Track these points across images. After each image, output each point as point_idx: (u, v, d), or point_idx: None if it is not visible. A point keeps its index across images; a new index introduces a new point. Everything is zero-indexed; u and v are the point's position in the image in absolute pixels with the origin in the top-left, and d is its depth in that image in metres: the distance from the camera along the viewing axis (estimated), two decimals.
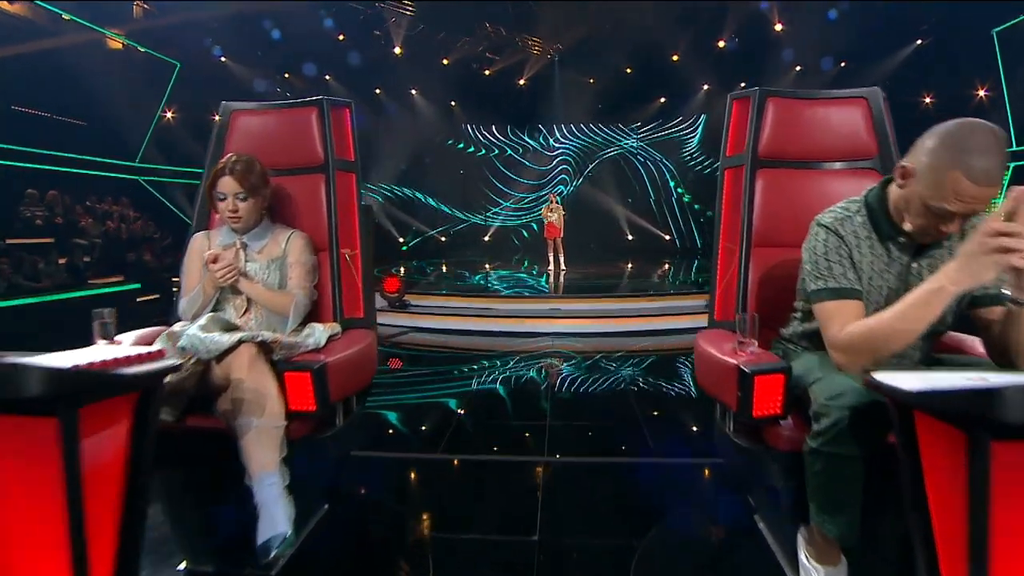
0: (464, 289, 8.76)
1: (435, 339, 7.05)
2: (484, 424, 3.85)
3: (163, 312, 12.03)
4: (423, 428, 3.79)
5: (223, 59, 14.46)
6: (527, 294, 8.78)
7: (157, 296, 11.57)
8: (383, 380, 4.93)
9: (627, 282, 10.34)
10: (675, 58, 15.27)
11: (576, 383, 4.83)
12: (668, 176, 18.32)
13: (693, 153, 17.98)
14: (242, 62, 14.69)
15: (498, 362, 5.69)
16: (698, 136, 17.96)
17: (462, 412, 4.04)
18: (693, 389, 4.53)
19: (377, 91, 16.96)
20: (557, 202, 11.41)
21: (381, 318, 7.69)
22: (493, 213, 18.67)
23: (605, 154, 18.63)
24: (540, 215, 16.28)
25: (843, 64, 14.56)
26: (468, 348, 6.75)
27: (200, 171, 2.33)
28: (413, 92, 17.16)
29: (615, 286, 9.58)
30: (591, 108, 17.85)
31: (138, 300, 10.11)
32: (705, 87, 16.60)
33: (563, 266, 11.61)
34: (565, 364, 5.58)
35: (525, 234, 18.49)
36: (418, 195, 18.20)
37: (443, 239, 18.58)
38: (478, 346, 6.75)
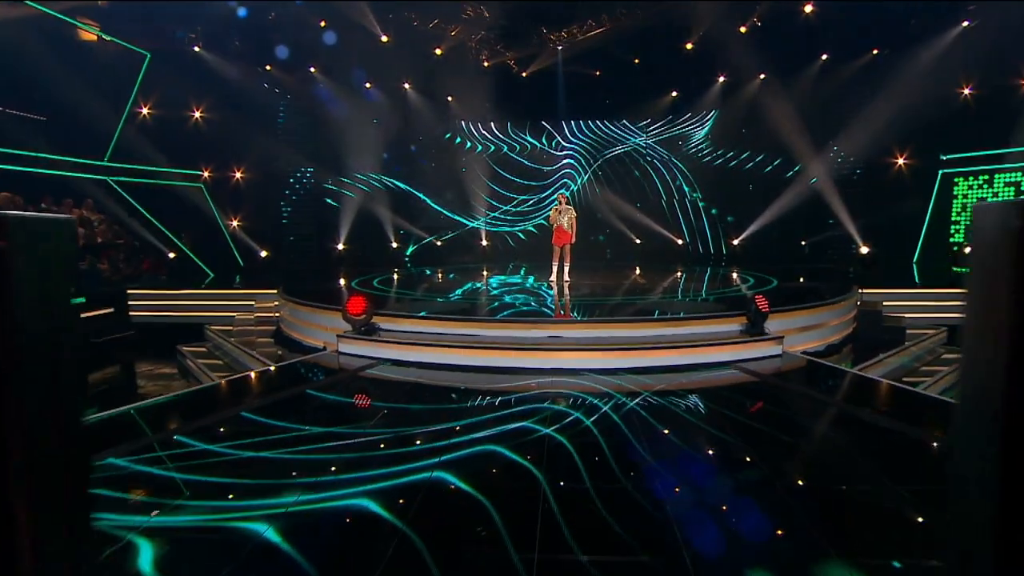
0: (446, 310, 7.32)
1: (406, 374, 5.65)
2: (435, 554, 2.44)
3: (114, 329, 10.87)
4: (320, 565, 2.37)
5: (197, 49, 13.14)
6: (526, 310, 7.36)
7: (110, 310, 10.29)
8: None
9: (643, 297, 8.89)
10: (689, 46, 13.82)
11: (586, 460, 3.40)
12: (679, 175, 16.85)
13: (702, 147, 16.51)
14: (219, 52, 13.37)
15: (478, 417, 4.28)
16: (706, 130, 16.47)
17: (400, 524, 2.63)
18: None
19: (368, 85, 15.64)
20: (567, 203, 9.90)
21: (344, 346, 6.31)
22: (493, 218, 17.27)
23: (612, 152, 17.17)
24: (542, 218, 14.99)
25: (875, 51, 13.06)
26: (445, 388, 5.36)
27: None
28: (406, 86, 15.83)
29: (630, 304, 8.12)
30: (597, 103, 16.45)
31: (80, 316, 8.77)
32: (721, 79, 15.15)
33: (567, 276, 10.18)
34: (567, 434, 4.14)
35: (522, 236, 17.10)
36: (418, 194, 16.84)
37: (439, 244, 17.21)
38: (457, 383, 5.35)
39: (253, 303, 9.41)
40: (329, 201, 16.12)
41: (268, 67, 14.36)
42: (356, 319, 6.23)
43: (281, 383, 5.48)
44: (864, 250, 12.10)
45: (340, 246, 15.56)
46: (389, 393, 5.19)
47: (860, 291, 8.24)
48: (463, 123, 17.16)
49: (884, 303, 8.52)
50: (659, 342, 5.87)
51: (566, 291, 9.33)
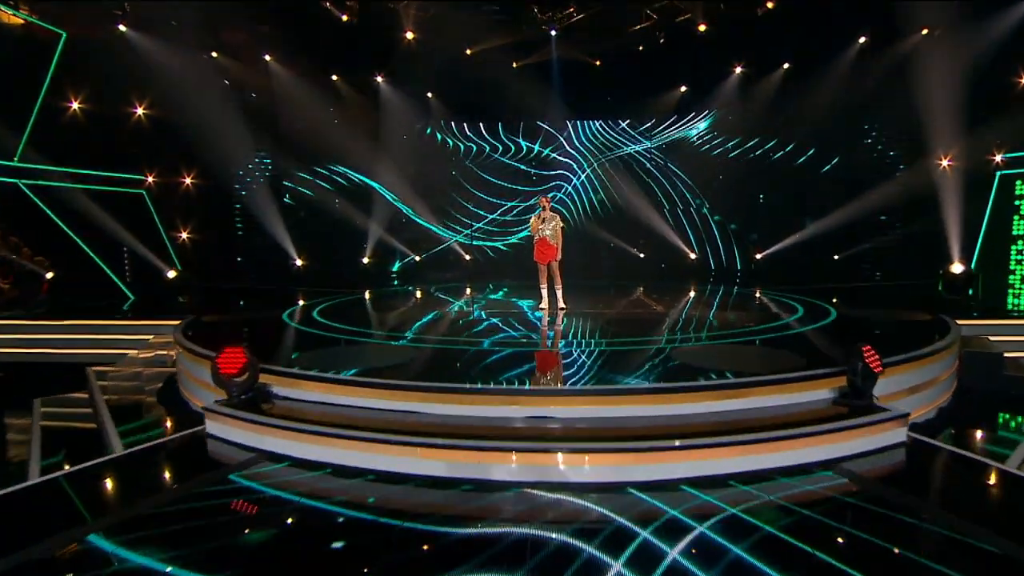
0: (389, 361, 4.98)
1: (312, 484, 3.36)
2: None
3: None
4: None
5: (123, 28, 10.93)
6: (505, 359, 5.08)
7: None
8: None
9: (664, 336, 6.58)
10: (702, 28, 11.69)
11: None
12: (684, 181, 14.65)
13: (710, 150, 14.30)
14: (151, 34, 11.18)
15: None
16: (705, 124, 14.30)
17: None
18: None
19: (334, 77, 13.50)
20: (551, 208, 7.73)
21: (213, 425, 4.02)
22: (478, 229, 15.05)
23: (612, 155, 14.98)
24: (528, 228, 12.94)
25: (924, 32, 10.92)
26: (354, 527, 3.07)
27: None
28: (379, 79, 13.68)
29: (647, 345, 5.83)
30: (596, 99, 14.30)
31: None
32: (738, 69, 13.02)
33: (561, 302, 7.93)
34: None
35: (504, 248, 14.85)
36: (398, 203, 14.57)
37: (418, 259, 14.95)
38: (387, 508, 3.08)
39: (150, 337, 7.11)
40: (288, 201, 13.89)
41: (214, 54, 12.17)
42: (231, 381, 3.95)
43: (57, 508, 3.15)
44: (956, 268, 9.74)
45: (299, 261, 13.31)
46: (265, 534, 2.88)
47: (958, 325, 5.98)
48: (444, 123, 14.98)
49: (988, 338, 6.28)
50: (701, 428, 3.59)
51: (558, 323, 7.06)
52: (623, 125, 14.83)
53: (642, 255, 14.72)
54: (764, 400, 3.80)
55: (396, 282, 13.65)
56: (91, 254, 10.86)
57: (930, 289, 9.72)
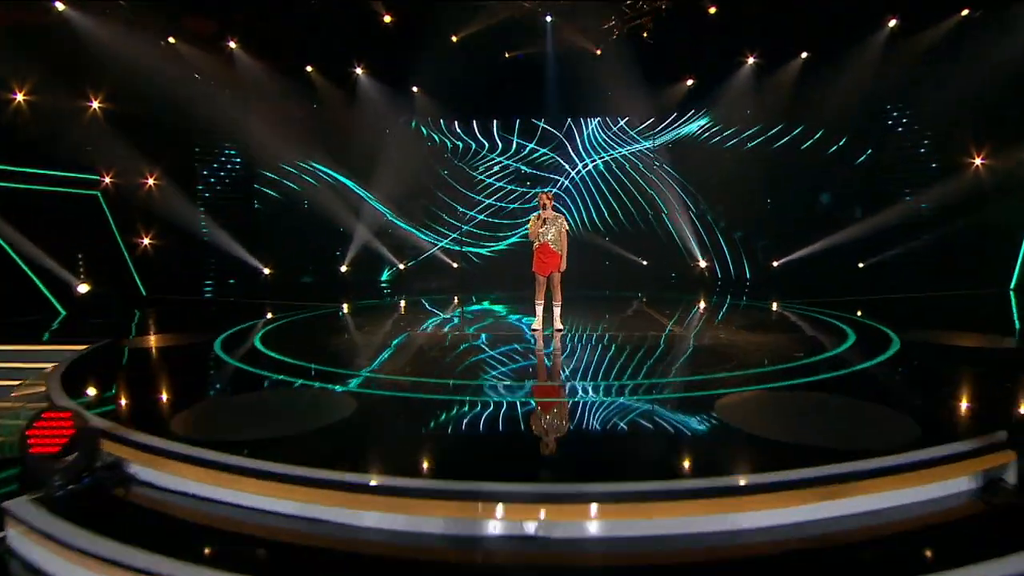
0: (300, 439, 3.47)
1: None
2: None
3: None
4: None
5: (59, 5, 9.54)
6: (482, 415, 3.70)
7: None
8: None
9: (693, 370, 5.18)
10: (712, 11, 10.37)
11: None
12: (685, 183, 13.33)
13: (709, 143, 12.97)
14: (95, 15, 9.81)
15: None
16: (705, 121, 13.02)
17: None
18: None
19: (308, 68, 12.17)
20: (554, 207, 6.31)
21: (20, 539, 2.58)
22: (463, 234, 13.69)
23: (612, 155, 13.66)
24: (524, 232, 11.74)
25: (965, 12, 9.61)
26: None
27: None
28: (358, 70, 12.34)
29: (693, 407, 4.42)
30: (595, 96, 12.99)
31: None
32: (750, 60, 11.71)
33: (559, 322, 6.55)
34: None
35: (487, 254, 13.49)
36: (378, 205, 13.20)
37: (402, 268, 13.56)
38: None
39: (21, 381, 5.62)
40: (257, 205, 12.50)
41: (171, 39, 10.79)
42: (49, 464, 2.56)
43: None
44: None
45: (266, 270, 11.91)
46: None
47: None
48: (431, 120, 13.64)
49: None
50: (776, 543, 2.22)
51: (556, 354, 5.68)
52: (621, 123, 13.52)
53: (645, 263, 13.38)
54: (870, 501, 2.41)
55: (387, 291, 12.25)
56: (18, 260, 9.40)
57: (998, 301, 8.35)
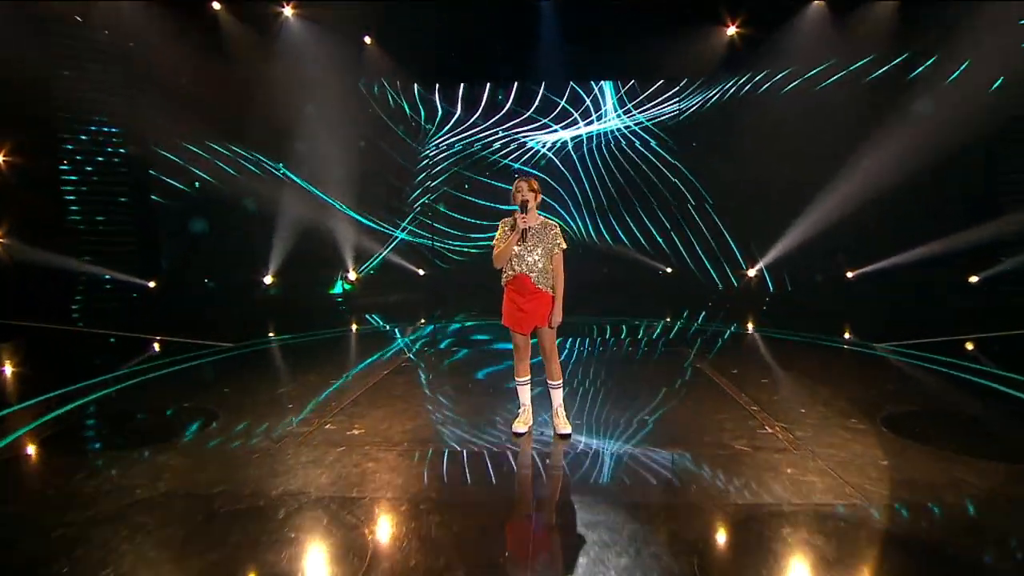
0: None
1: None
2: None
3: None
4: None
5: None
6: None
7: None
8: None
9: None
10: None
11: None
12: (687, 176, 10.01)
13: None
14: None
15: None
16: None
17: None
18: None
19: (215, 3, 8.72)
20: (541, 206, 3.10)
21: None
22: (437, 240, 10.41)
23: (590, 136, 10.36)
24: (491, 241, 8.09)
25: None
26: None
27: None
28: (284, 8, 8.91)
29: None
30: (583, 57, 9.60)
31: None
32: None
33: (565, 423, 3.25)
34: None
35: (462, 259, 10.08)
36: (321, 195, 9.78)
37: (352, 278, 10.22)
38: None
39: None
40: (155, 199, 9.05)
41: None
42: None
43: None
44: None
45: (151, 283, 8.49)
46: None
47: None
48: (388, 82, 10.26)
49: None
50: None
51: (551, 522, 2.30)
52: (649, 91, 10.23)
53: (669, 270, 10.18)
54: None
55: (344, 308, 8.99)
56: None
57: None
